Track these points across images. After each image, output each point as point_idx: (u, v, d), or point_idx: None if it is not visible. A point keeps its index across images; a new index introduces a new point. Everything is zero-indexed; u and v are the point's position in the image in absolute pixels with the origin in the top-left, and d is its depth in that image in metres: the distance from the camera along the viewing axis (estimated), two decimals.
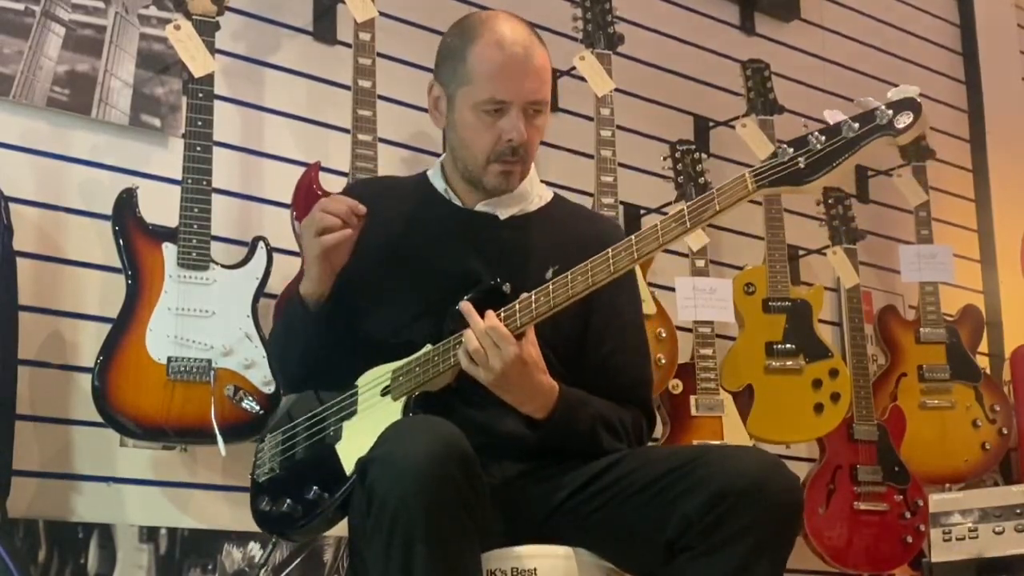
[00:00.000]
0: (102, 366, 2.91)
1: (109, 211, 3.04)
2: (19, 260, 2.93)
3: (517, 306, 2.11)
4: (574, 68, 3.74)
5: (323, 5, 3.64)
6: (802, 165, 1.99)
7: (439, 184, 2.39)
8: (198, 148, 3.06)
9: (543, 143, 2.41)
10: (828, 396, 3.97)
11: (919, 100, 1.96)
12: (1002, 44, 5.47)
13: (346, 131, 3.32)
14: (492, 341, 2.07)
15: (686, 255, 3.88)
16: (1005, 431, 4.42)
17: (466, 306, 2.12)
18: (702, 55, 4.48)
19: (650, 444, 2.52)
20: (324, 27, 3.65)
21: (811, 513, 3.96)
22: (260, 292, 3.11)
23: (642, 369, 2.41)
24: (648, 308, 3.59)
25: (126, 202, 3.04)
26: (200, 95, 3.09)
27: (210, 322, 3.02)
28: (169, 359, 2.96)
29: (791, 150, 2.00)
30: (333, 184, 3.32)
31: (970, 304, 4.66)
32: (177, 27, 3.10)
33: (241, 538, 3.23)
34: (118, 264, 3.01)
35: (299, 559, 3.27)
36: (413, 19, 3.77)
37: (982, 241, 5.18)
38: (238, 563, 3.22)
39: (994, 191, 5.22)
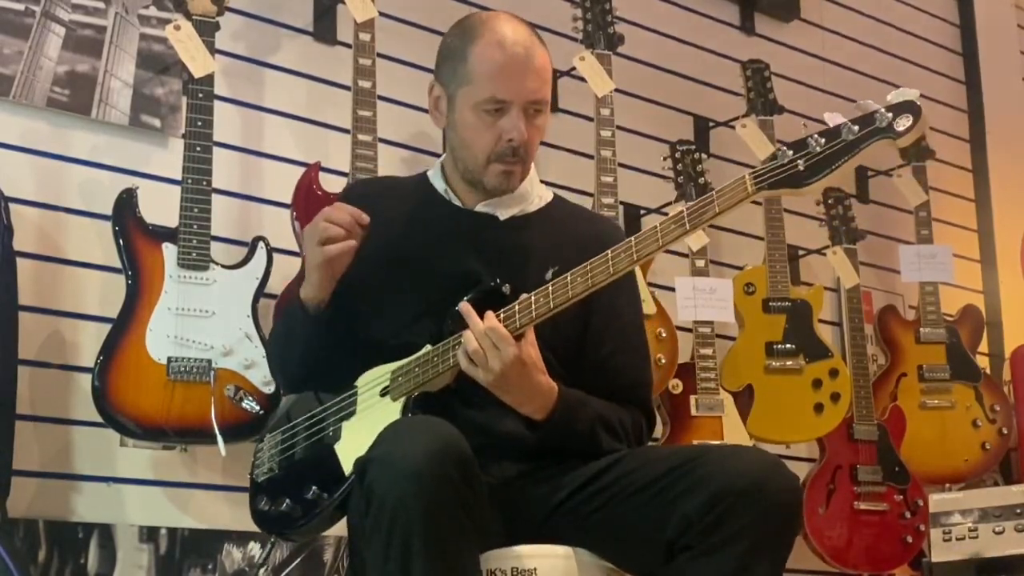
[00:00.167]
0: (102, 366, 2.91)
1: (109, 211, 3.04)
2: (19, 260, 2.93)
3: (517, 307, 2.11)
4: (574, 68, 3.74)
5: (323, 5, 3.64)
6: (801, 167, 1.99)
7: (439, 184, 2.39)
8: (198, 148, 3.06)
9: (543, 143, 2.41)
10: (828, 396, 3.97)
11: (919, 103, 1.96)
12: (1002, 44, 5.47)
13: (346, 131, 3.32)
14: (491, 342, 2.07)
15: (686, 255, 3.88)
16: (1005, 431, 4.42)
17: (465, 307, 2.11)
18: (702, 55, 4.48)
19: (650, 444, 2.52)
20: (324, 27, 3.65)
21: (811, 513, 3.96)
22: (260, 292, 3.11)
23: (642, 370, 2.41)
24: (648, 308, 3.59)
25: (126, 202, 3.04)
26: (200, 95, 3.09)
27: (210, 322, 3.02)
28: (169, 359, 2.96)
29: (791, 152, 2.00)
30: (333, 184, 3.32)
31: (970, 304, 4.65)
32: (177, 27, 3.10)
33: (241, 538, 3.23)
34: (118, 264, 3.01)
35: (299, 559, 3.27)
36: (413, 19, 3.77)
37: (982, 241, 5.17)
38: (238, 563, 3.22)
39: (994, 191, 5.22)
